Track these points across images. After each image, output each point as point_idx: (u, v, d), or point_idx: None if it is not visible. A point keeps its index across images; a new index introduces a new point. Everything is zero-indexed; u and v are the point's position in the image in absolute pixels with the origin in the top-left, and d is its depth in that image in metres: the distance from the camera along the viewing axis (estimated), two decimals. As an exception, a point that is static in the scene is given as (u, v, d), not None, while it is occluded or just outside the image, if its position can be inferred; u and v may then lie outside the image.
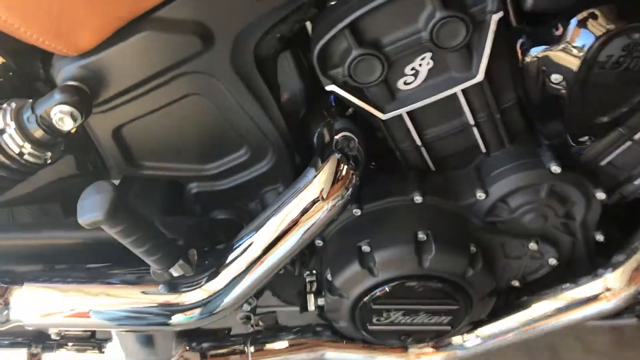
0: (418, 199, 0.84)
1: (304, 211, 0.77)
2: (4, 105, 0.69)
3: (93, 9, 0.63)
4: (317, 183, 0.76)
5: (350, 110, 0.86)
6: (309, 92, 0.84)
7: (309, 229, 0.77)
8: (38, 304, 0.75)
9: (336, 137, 0.80)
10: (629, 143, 0.81)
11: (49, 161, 0.71)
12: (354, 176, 0.77)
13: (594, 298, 0.92)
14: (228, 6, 0.68)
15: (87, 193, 0.64)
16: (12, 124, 0.67)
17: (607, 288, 0.91)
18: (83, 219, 0.62)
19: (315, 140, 0.83)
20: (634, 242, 0.90)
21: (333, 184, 0.76)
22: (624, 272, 0.90)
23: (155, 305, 0.78)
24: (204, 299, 0.78)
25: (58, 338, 0.84)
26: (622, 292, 0.91)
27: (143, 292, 0.79)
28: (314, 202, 0.76)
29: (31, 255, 0.86)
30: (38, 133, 0.68)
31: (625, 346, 1.38)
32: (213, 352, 0.90)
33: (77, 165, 0.86)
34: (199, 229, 0.84)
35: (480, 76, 0.74)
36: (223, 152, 0.83)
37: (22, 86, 0.77)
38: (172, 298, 0.78)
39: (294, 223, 0.77)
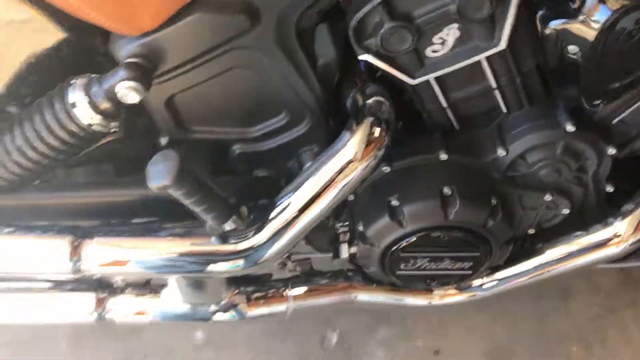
0: (444, 156, 0.92)
1: (340, 171, 0.85)
2: (73, 81, 0.76)
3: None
4: (351, 145, 0.84)
5: (379, 73, 0.93)
6: (342, 60, 0.90)
7: (344, 187, 0.86)
8: (107, 255, 0.85)
9: (368, 101, 0.87)
10: (639, 103, 0.88)
11: (113, 130, 0.79)
12: (385, 138, 0.85)
13: (603, 244, 1.01)
14: None
15: (155, 160, 0.72)
16: (83, 98, 0.75)
17: (616, 234, 0.99)
18: (153, 184, 0.71)
19: (348, 104, 0.90)
20: (641, 197, 0.98)
21: (367, 145, 0.84)
22: (632, 220, 0.99)
23: (209, 254, 0.88)
24: (251, 250, 0.88)
25: (122, 284, 0.95)
26: (630, 238, 0.99)
27: (196, 243, 0.88)
28: (349, 162, 0.85)
29: (88, 211, 0.95)
30: (105, 106, 0.76)
31: (631, 285, 1.48)
32: (257, 294, 1.00)
33: (129, 129, 0.94)
34: (245, 187, 0.93)
35: (503, 45, 0.81)
36: (264, 116, 0.91)
37: (82, 61, 0.84)
38: (223, 248, 0.88)
39: (331, 181, 0.86)
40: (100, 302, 0.95)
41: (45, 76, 0.86)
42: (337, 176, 0.85)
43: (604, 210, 1.01)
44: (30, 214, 0.92)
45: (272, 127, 0.92)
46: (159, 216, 0.96)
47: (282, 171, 0.98)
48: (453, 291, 1.03)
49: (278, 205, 0.88)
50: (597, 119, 0.90)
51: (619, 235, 0.99)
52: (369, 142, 0.84)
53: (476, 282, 1.04)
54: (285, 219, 0.87)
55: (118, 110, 0.77)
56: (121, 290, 0.95)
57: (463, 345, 1.38)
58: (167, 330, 1.34)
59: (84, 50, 0.84)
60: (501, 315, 1.41)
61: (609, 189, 0.98)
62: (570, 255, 1.03)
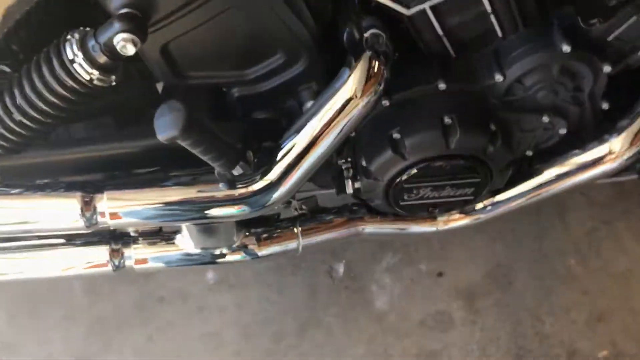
0: (442, 86, 0.92)
1: (342, 108, 0.86)
2: (69, 37, 0.75)
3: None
4: (352, 82, 0.85)
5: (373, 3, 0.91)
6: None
7: (347, 124, 0.87)
8: (119, 207, 0.86)
9: (365, 34, 0.87)
10: (634, 17, 0.88)
11: (114, 84, 0.79)
12: (385, 71, 0.85)
13: (600, 160, 1.03)
14: None
15: (161, 112, 0.73)
16: (80, 54, 0.74)
17: (612, 151, 1.02)
18: (162, 136, 0.72)
19: (345, 40, 0.89)
20: (636, 108, 1.00)
21: (367, 81, 0.85)
22: (627, 136, 1.01)
23: (218, 200, 0.89)
24: (259, 193, 0.90)
25: (136, 235, 0.97)
26: (626, 153, 1.02)
27: (205, 190, 0.90)
28: (350, 99, 0.85)
29: (93, 166, 0.96)
30: (103, 60, 0.75)
31: (624, 197, 1.53)
32: (266, 235, 1.03)
33: (126, 79, 0.94)
34: (247, 130, 0.93)
35: (496, -33, 0.80)
36: (260, 57, 0.90)
37: (72, 14, 0.83)
38: (232, 193, 0.89)
39: (334, 120, 0.87)
40: (114, 253, 0.97)
41: (36, 31, 0.85)
42: (339, 114, 0.86)
43: (600, 127, 1.03)
44: (35, 172, 0.92)
45: (269, 68, 0.91)
46: (164, 165, 0.98)
47: (282, 112, 0.99)
48: (457, 216, 1.06)
49: (283, 147, 0.89)
50: (593, 38, 0.90)
51: (614, 152, 1.02)
52: (369, 77, 0.85)
53: (478, 205, 1.07)
54: (291, 160, 0.88)
55: (116, 63, 0.76)
56: (134, 240, 0.97)
57: (465, 266, 1.43)
58: (180, 273, 1.37)
59: (73, 2, 0.82)
60: (500, 235, 1.45)
61: (605, 106, 0.99)
62: (568, 174, 1.05)
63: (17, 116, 0.80)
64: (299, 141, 0.88)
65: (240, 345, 1.33)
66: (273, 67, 0.92)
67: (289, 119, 0.99)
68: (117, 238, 0.99)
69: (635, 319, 1.38)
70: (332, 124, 0.87)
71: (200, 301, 1.36)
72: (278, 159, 0.89)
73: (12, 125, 0.81)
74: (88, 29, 0.76)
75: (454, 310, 1.38)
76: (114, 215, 0.86)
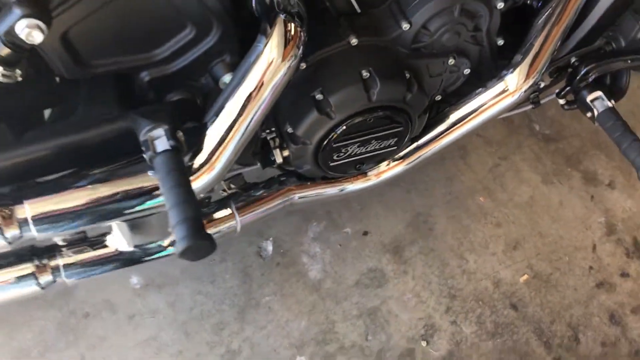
0: (354, 41, 0.93)
1: (264, 76, 0.84)
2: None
3: None
4: (270, 48, 0.83)
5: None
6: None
7: (271, 92, 0.85)
8: (44, 215, 0.79)
9: None
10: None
11: (19, 79, 0.71)
12: (302, 33, 0.84)
13: (501, 95, 1.10)
14: None
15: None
16: (-8, 53, 0.66)
17: (511, 85, 1.08)
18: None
19: (255, 5, 0.87)
20: (527, 43, 1.07)
21: (285, 45, 0.83)
22: (522, 70, 1.08)
23: (151, 189, 0.84)
24: (195, 175, 0.86)
25: (63, 244, 0.89)
26: (524, 86, 1.09)
27: (134, 182, 0.84)
28: (270, 66, 0.83)
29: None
30: (5, 52, 0.68)
31: (514, 131, 1.65)
32: (204, 219, 0.99)
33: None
34: (164, 114, 0.88)
35: None
36: (169, 34, 0.86)
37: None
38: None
39: (258, 90, 0.85)
40: (40, 270, 0.89)
41: None
42: (262, 83, 0.84)
43: (498, 64, 1.10)
44: None
45: (180, 44, 0.87)
46: (78, 165, 0.90)
47: (197, 90, 0.95)
48: (384, 167, 1.09)
49: (210, 124, 0.86)
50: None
51: (513, 86, 1.09)
52: (287, 40, 0.83)
53: (403, 153, 1.10)
54: (220, 137, 0.85)
55: (20, 54, 0.69)
56: (59, 251, 0.89)
57: (386, 221, 1.47)
58: (101, 284, 1.29)
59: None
60: (414, 186, 1.51)
61: (500, 42, 1.05)
62: (475, 111, 1.11)
63: None
64: (226, 116, 0.85)
65: (182, 344, 1.27)
66: (183, 44, 0.87)
67: (205, 97, 0.96)
68: (39, 253, 0.90)
69: (544, 242, 1.50)
70: (257, 95, 0.85)
71: (130, 308, 1.29)
72: (207, 138, 0.85)
73: None
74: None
75: (385, 265, 1.41)
76: (39, 225, 0.78)
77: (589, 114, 1.15)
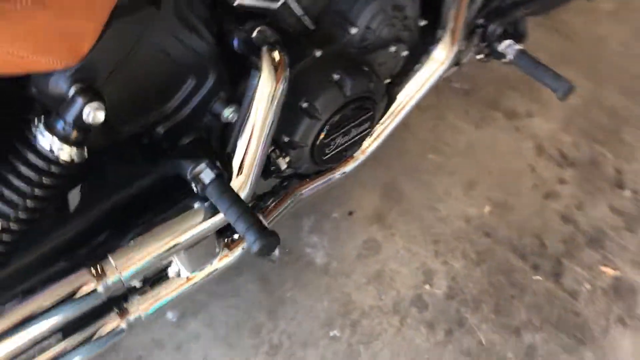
0: (318, 53, 1.13)
1: (267, 104, 1.01)
2: (33, 129, 0.80)
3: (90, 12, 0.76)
4: (264, 80, 0.99)
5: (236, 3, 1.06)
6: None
7: (275, 113, 1.03)
8: (129, 260, 0.93)
9: (253, 35, 1.02)
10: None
11: (86, 156, 0.85)
12: (285, 56, 1.03)
13: (434, 66, 1.33)
14: None
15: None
16: (55, 139, 0.80)
17: (440, 56, 1.32)
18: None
19: (237, 47, 1.04)
20: (444, 18, 1.31)
21: (276, 72, 1.01)
22: (445, 41, 1.31)
23: (207, 217, 1.00)
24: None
25: (138, 285, 1.02)
26: (450, 55, 1.33)
27: (190, 215, 1.00)
28: (269, 94, 1.00)
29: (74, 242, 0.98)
30: (76, 135, 0.81)
31: (441, 95, 1.90)
32: (233, 236, 1.15)
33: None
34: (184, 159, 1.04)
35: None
36: (176, 88, 1.00)
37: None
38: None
39: (265, 116, 1.01)
40: (123, 315, 1.02)
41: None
42: (268, 108, 1.01)
43: (426, 41, 1.33)
44: (22, 275, 0.93)
45: (185, 94, 1.02)
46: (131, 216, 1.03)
47: (203, 128, 1.10)
48: (367, 144, 1.29)
49: (233, 154, 1.02)
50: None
51: (443, 55, 1.32)
52: (276, 67, 1.01)
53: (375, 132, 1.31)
54: (247, 162, 1.02)
55: (87, 134, 0.83)
56: (138, 291, 1.02)
57: (363, 197, 1.68)
58: (143, 328, 1.40)
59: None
60: (376, 163, 1.72)
61: (423, 23, 1.28)
62: (419, 85, 1.34)
63: (4, 224, 0.82)
64: (245, 144, 1.02)
65: (230, 355, 1.42)
66: (187, 93, 1.03)
67: (209, 132, 1.11)
68: (116, 301, 1.03)
69: (492, 176, 1.77)
70: (265, 119, 1.01)
71: (175, 340, 1.42)
72: (234, 164, 1.02)
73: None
74: (50, 116, 0.81)
75: (375, 234, 1.62)
76: (127, 273, 0.92)
77: (504, 60, 1.40)
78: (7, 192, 0.82)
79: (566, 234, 1.71)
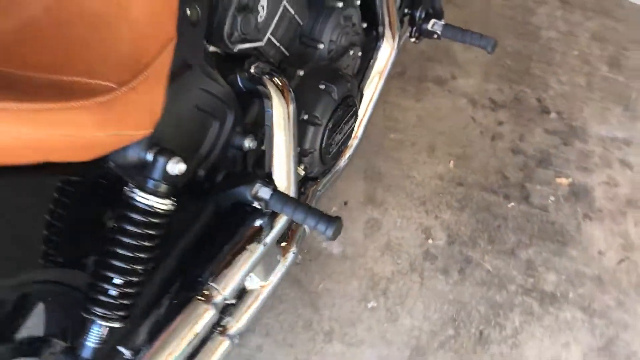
0: (301, 72, 1.34)
1: (286, 127, 1.20)
2: (128, 194, 0.95)
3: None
4: (277, 107, 1.17)
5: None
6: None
7: (294, 129, 1.22)
8: (228, 284, 1.09)
9: (251, 70, 1.21)
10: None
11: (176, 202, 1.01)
12: (284, 79, 1.23)
13: (386, 57, 1.58)
14: None
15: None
16: (151, 197, 0.96)
17: (388, 48, 1.57)
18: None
19: (242, 85, 1.23)
20: (380, 15, 1.55)
21: (283, 95, 1.21)
22: (387, 34, 1.56)
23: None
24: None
25: (233, 302, 1.18)
26: (395, 44, 1.58)
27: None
28: (285, 118, 1.20)
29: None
30: (167, 188, 0.97)
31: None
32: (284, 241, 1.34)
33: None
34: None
35: (294, -16, 1.23)
36: (205, 132, 1.18)
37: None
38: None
39: (288, 136, 1.21)
40: (224, 332, 1.18)
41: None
42: (288, 127, 1.20)
43: (371, 39, 1.57)
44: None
45: (213, 137, 1.20)
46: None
47: (229, 162, 1.28)
48: (355, 129, 1.52)
49: (273, 172, 1.21)
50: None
51: (390, 46, 1.57)
52: (282, 91, 1.20)
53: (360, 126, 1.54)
54: (285, 181, 1.21)
55: (175, 184, 0.99)
56: (229, 309, 1.19)
57: (350, 186, 1.90)
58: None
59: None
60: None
61: (365, 25, 1.53)
62: (378, 76, 1.59)
63: (118, 279, 0.97)
64: (282, 159, 1.20)
65: (292, 353, 1.59)
66: (215, 135, 1.20)
67: (235, 164, 1.29)
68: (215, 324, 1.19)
69: (444, 135, 2.04)
70: (289, 138, 1.20)
71: (243, 357, 1.57)
72: (279, 178, 1.21)
73: (121, 290, 0.98)
74: (141, 178, 0.97)
75: (371, 213, 1.84)
76: (227, 291, 1.09)
77: (435, 36, 1.67)
78: (122, 251, 0.96)
79: (520, 163, 2.01)
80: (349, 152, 1.52)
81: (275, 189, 1.14)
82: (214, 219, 1.22)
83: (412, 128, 2.04)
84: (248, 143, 1.24)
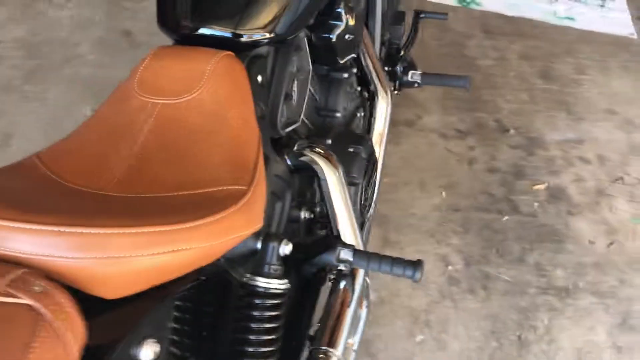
0: (329, 141, 1.47)
1: (340, 186, 1.31)
2: (246, 282, 1.03)
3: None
4: (328, 172, 1.26)
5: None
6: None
7: (347, 189, 1.34)
8: (336, 338, 1.18)
9: (296, 148, 1.32)
10: None
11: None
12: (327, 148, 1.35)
13: (384, 111, 1.75)
14: None
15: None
16: (271, 280, 1.04)
17: (384, 103, 1.74)
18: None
19: (292, 162, 1.34)
20: (369, 76, 1.73)
21: (330, 162, 1.33)
22: (380, 90, 1.74)
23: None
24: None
25: None
26: (388, 99, 1.75)
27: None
28: (338, 179, 1.31)
29: None
30: (281, 269, 1.06)
31: (354, 136, 2.32)
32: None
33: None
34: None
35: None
36: (275, 210, 1.29)
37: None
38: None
39: (342, 192, 1.32)
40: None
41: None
42: (342, 190, 1.31)
43: (368, 99, 1.74)
44: None
45: (279, 215, 1.30)
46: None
47: (291, 236, 1.38)
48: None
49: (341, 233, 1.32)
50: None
51: (385, 103, 1.74)
52: (328, 158, 1.33)
53: (382, 176, 1.68)
54: (348, 235, 1.32)
55: (283, 268, 1.08)
56: None
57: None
58: None
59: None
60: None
61: (359, 88, 1.69)
62: (383, 127, 1.75)
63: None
64: (345, 221, 1.31)
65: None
66: (279, 213, 1.30)
67: (294, 236, 1.39)
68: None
69: (429, 170, 2.22)
70: (345, 197, 1.31)
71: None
72: (348, 236, 1.32)
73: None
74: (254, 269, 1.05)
75: (390, 252, 1.96)
76: (339, 349, 1.18)
77: (415, 85, 1.86)
78: (253, 337, 1.04)
79: (499, 180, 2.22)
80: (373, 200, 1.66)
81: (355, 249, 1.25)
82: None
83: (400, 169, 2.21)
84: (304, 214, 1.35)
